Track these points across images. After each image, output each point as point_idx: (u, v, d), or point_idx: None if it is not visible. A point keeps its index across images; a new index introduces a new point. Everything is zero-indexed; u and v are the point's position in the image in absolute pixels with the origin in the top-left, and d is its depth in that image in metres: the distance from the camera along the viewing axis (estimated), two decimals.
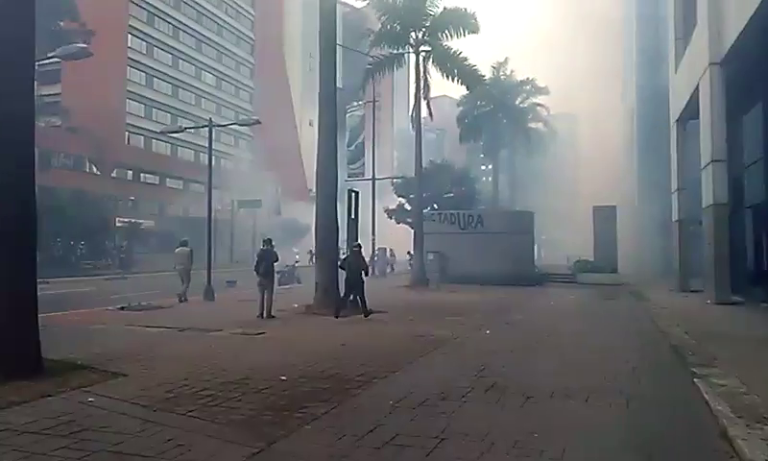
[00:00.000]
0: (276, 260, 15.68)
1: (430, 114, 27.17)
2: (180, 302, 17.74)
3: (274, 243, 15.59)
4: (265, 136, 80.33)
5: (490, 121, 48.72)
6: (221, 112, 75.90)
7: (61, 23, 37.67)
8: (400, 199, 45.37)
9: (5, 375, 7.03)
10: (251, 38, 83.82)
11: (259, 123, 18.78)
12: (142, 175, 63.07)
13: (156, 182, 64.46)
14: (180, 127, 20.08)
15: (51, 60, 58.81)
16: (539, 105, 51.93)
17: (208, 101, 73.77)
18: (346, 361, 8.68)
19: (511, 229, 29.27)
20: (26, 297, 7.52)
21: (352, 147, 35.45)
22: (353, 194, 15.71)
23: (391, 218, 46.19)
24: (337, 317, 14.29)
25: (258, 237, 59.73)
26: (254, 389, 6.96)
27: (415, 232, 27.01)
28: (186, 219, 56.96)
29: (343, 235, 16.72)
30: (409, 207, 46.72)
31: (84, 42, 37.38)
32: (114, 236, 48.08)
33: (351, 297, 15.56)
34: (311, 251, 55.26)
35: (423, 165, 45.32)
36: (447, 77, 25.96)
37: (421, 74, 25.98)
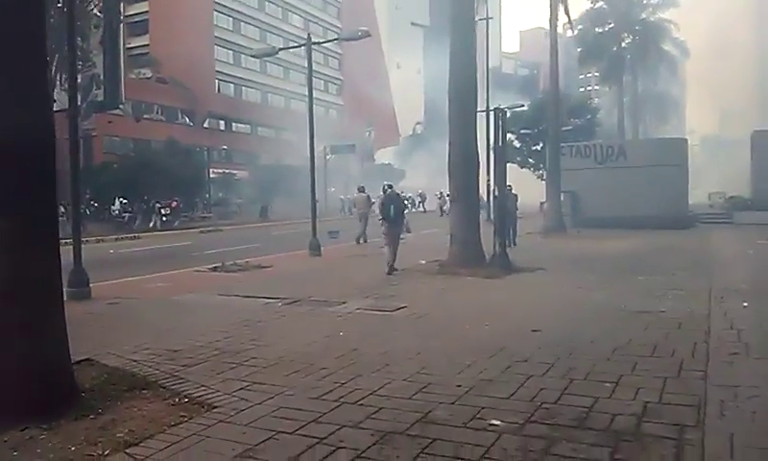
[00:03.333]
0: (405, 207, 13.33)
1: (570, 23, 22.44)
2: (358, 243, 18.51)
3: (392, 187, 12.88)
4: (354, 80, 76.88)
5: (611, 42, 42.55)
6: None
7: None
8: (508, 135, 40.66)
9: (10, 416, 3.94)
10: None
11: (369, 35, 15.12)
12: (234, 124, 61.47)
13: (248, 132, 62.73)
14: (275, 48, 16.67)
15: (139, 12, 57.67)
16: (667, 21, 44.89)
17: (296, 44, 70.84)
18: (571, 369, 5.07)
19: (658, 160, 24.28)
20: (42, 297, 4.32)
21: None
22: (500, 114, 11.87)
23: None
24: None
25: (351, 184, 57.05)
26: (450, 456, 3.47)
27: (549, 169, 22.64)
28: (279, 167, 54.83)
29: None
30: (518, 144, 41.99)
31: None
32: (209, 187, 46.52)
33: (500, 248, 11.96)
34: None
35: (527, 101, 39.94)
36: None
37: None
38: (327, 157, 58.45)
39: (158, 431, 3.94)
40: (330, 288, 10.05)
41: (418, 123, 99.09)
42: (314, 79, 64.23)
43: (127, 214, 32.65)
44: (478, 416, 4.08)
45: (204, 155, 48.16)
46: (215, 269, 12.92)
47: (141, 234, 26.92)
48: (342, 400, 4.50)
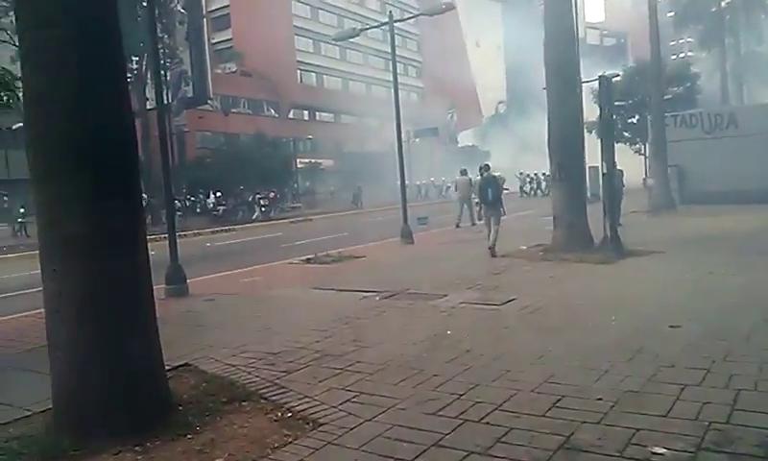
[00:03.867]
0: (502, 188, 13.18)
1: None
2: (457, 227, 18.70)
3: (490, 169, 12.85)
4: (434, 61, 75.63)
5: (711, 1, 39.25)
6: (387, 39, 72.32)
7: None
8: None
9: (102, 436, 3.64)
10: None
11: (453, 7, 14.29)
12: (317, 113, 62.04)
13: (331, 120, 63.11)
14: (355, 29, 16.20)
15: (220, 6, 58.98)
16: None
17: (374, 29, 70.27)
18: (734, 376, 4.25)
19: None
20: (129, 300, 3.96)
21: None
22: (605, 82, 10.85)
23: (591, 133, 39.41)
24: None
25: (437, 168, 56.23)
26: None
27: (653, 142, 20.92)
28: (363, 154, 54.95)
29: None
30: (614, 116, 39.66)
31: None
32: (297, 177, 47.13)
33: (611, 230, 10.95)
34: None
35: (618, 71, 37.06)
36: None
37: None
38: (411, 140, 58.06)
39: (261, 456, 3.51)
40: (428, 279, 9.48)
41: (500, 102, 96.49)
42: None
43: (221, 207, 33.52)
44: (633, 441, 3.38)
45: (290, 145, 48.77)
46: (308, 261, 12.67)
47: (235, 227, 27.44)
48: (463, 416, 3.91)
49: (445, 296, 8.02)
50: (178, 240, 9.80)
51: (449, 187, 51.57)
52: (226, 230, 26.32)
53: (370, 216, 31.21)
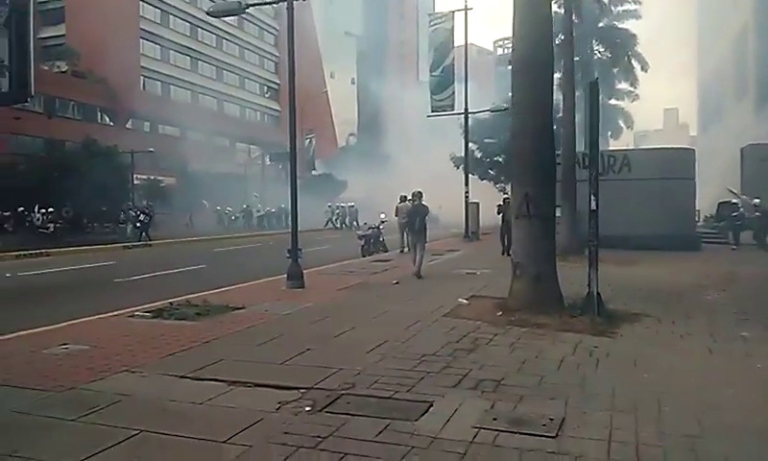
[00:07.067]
0: (427, 214, 13.06)
1: None
2: (401, 252, 17.48)
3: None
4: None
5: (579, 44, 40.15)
6: (244, 56, 67.96)
7: None
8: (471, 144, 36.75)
9: None
10: None
11: None
12: (160, 126, 55.63)
13: (177, 135, 56.80)
14: (242, 3, 12.12)
15: None
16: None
17: (230, 42, 65.61)
18: None
19: (666, 173, 21.35)
20: None
21: (438, 71, 27.37)
22: (595, 88, 8.22)
23: (458, 168, 37.85)
24: None
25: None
26: None
27: (564, 181, 18.72)
28: (210, 174, 49.48)
29: None
30: (479, 154, 38.79)
31: None
32: (132, 195, 40.70)
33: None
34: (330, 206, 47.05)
35: (479, 111, 35.40)
36: None
37: None
38: (266, 164, 54.05)
39: None
40: (368, 357, 6.00)
41: (351, 134, 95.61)
42: (250, 81, 59.32)
43: (52, 225, 27.71)
44: None
45: (127, 158, 41.98)
46: (159, 313, 8.52)
47: (51, 251, 21.63)
48: None
49: (430, 407, 4.59)
50: None
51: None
52: (35, 255, 20.55)
53: (224, 243, 26.78)
